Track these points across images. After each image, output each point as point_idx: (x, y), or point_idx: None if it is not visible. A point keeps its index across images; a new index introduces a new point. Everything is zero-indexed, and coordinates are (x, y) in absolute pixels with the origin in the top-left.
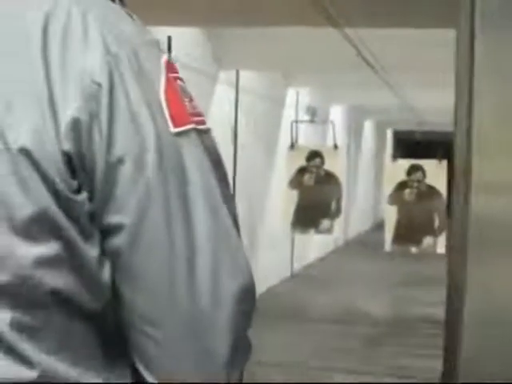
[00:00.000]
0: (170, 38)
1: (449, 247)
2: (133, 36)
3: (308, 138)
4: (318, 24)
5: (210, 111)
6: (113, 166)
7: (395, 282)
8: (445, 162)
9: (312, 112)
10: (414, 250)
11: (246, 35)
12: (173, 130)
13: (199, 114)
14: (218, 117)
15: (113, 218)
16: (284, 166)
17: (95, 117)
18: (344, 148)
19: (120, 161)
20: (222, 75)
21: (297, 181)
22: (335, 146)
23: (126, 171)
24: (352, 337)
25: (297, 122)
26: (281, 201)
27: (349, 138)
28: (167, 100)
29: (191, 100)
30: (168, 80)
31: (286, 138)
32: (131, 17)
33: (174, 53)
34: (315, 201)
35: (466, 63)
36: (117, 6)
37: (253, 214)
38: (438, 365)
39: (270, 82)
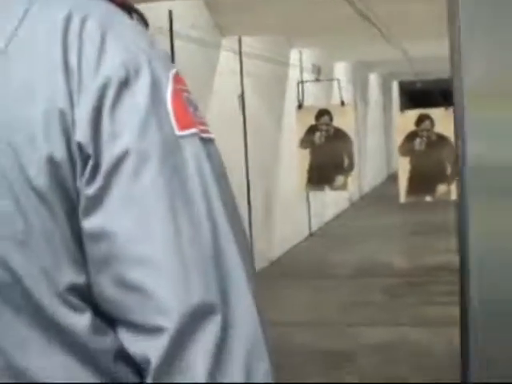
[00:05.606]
0: (171, 13)
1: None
2: (147, 48)
3: (315, 97)
4: None
5: (215, 80)
6: (118, 158)
7: (411, 231)
8: (451, 109)
9: (317, 71)
10: (428, 198)
11: (246, 1)
12: (177, 132)
13: (204, 124)
14: (224, 85)
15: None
16: (293, 127)
17: (104, 111)
18: (351, 104)
19: (126, 153)
20: (225, 43)
21: (307, 140)
22: (342, 103)
23: (129, 163)
24: (374, 289)
25: (302, 82)
26: (296, 161)
27: (355, 93)
28: (173, 106)
29: (196, 110)
30: (175, 90)
31: (293, 99)
32: (146, 33)
33: (175, 25)
34: (327, 158)
35: (455, 14)
36: (133, 22)
37: (266, 177)
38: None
39: (272, 45)
